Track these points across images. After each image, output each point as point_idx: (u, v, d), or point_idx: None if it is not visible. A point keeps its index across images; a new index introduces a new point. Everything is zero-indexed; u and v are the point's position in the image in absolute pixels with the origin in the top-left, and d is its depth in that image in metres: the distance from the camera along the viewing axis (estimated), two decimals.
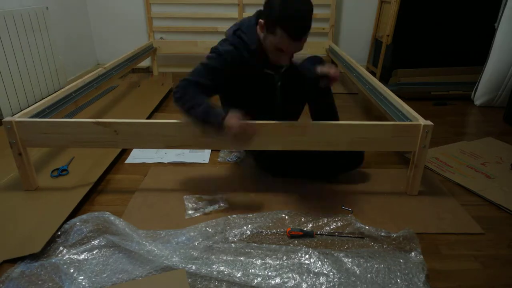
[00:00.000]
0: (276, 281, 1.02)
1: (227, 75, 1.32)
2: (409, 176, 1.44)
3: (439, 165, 1.69)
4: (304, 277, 1.04)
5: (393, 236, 1.21)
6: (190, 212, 1.34)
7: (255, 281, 1.02)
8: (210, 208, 1.36)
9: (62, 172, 1.59)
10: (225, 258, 1.10)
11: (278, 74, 1.41)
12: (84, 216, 1.26)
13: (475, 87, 2.54)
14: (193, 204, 1.38)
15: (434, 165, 1.69)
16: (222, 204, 1.38)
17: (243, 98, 1.39)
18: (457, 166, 1.68)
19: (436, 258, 1.14)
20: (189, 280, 1.03)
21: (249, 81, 1.37)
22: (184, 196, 1.43)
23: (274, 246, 1.16)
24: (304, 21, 1.18)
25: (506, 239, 1.23)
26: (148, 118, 2.24)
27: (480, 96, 2.50)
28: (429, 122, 1.33)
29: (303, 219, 1.29)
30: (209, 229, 1.23)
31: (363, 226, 1.25)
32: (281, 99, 1.47)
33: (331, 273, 1.04)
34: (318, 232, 1.23)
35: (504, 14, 2.29)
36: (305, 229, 1.24)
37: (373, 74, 2.96)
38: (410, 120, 1.42)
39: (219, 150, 1.80)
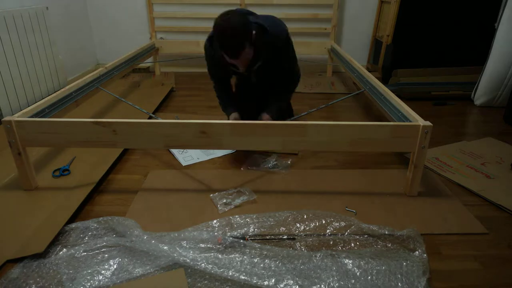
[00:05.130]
0: (276, 283, 1.02)
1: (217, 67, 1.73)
2: (408, 177, 1.44)
3: (439, 165, 1.69)
4: (304, 278, 1.03)
5: (397, 234, 1.21)
6: (221, 208, 1.36)
7: (255, 281, 1.01)
8: (239, 201, 1.39)
9: (63, 172, 1.59)
10: (225, 258, 1.10)
11: (250, 72, 1.69)
12: (86, 220, 1.27)
13: (475, 87, 2.53)
14: (222, 200, 1.40)
15: (434, 165, 1.69)
16: (246, 197, 1.41)
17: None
18: (457, 166, 1.68)
19: (436, 258, 1.14)
20: (189, 280, 1.03)
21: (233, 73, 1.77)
22: (211, 195, 1.44)
23: (275, 247, 1.15)
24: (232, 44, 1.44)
25: (506, 239, 1.23)
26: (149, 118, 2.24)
27: (480, 96, 2.50)
28: (428, 123, 1.33)
29: (306, 219, 1.29)
30: (211, 229, 1.23)
31: (366, 226, 1.24)
32: (257, 88, 1.84)
33: (330, 275, 1.04)
34: (322, 233, 1.23)
35: (504, 14, 2.28)
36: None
37: (374, 74, 2.97)
38: (410, 121, 1.42)
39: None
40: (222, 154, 1.79)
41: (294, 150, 1.79)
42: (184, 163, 1.70)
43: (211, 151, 1.81)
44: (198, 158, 1.75)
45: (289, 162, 1.68)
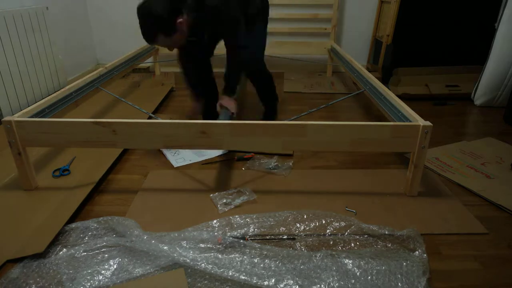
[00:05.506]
0: (276, 283, 1.02)
1: None
2: (408, 177, 1.44)
3: (439, 165, 1.69)
4: (304, 278, 1.04)
5: (397, 234, 1.21)
6: (221, 208, 1.36)
7: (255, 281, 1.01)
8: (239, 201, 1.39)
9: (63, 172, 1.59)
10: (225, 258, 1.10)
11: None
12: (86, 220, 1.26)
13: (475, 87, 2.53)
14: (222, 200, 1.40)
15: (434, 165, 1.69)
16: (246, 197, 1.41)
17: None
18: (457, 166, 1.68)
19: (436, 258, 1.14)
20: (189, 280, 1.03)
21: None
22: (211, 195, 1.44)
23: (275, 247, 1.15)
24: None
25: (506, 239, 1.23)
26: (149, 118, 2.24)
27: (480, 96, 2.50)
28: (428, 123, 1.33)
29: (306, 219, 1.29)
30: (211, 229, 1.23)
31: (366, 226, 1.24)
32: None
33: (330, 275, 1.04)
34: (322, 233, 1.23)
35: (504, 14, 2.28)
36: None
37: (374, 74, 2.97)
38: (410, 121, 1.42)
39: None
40: (214, 156, 1.78)
41: (292, 150, 1.80)
42: (176, 165, 1.70)
43: (203, 152, 1.80)
44: (190, 160, 1.74)
45: (290, 164, 1.68)
